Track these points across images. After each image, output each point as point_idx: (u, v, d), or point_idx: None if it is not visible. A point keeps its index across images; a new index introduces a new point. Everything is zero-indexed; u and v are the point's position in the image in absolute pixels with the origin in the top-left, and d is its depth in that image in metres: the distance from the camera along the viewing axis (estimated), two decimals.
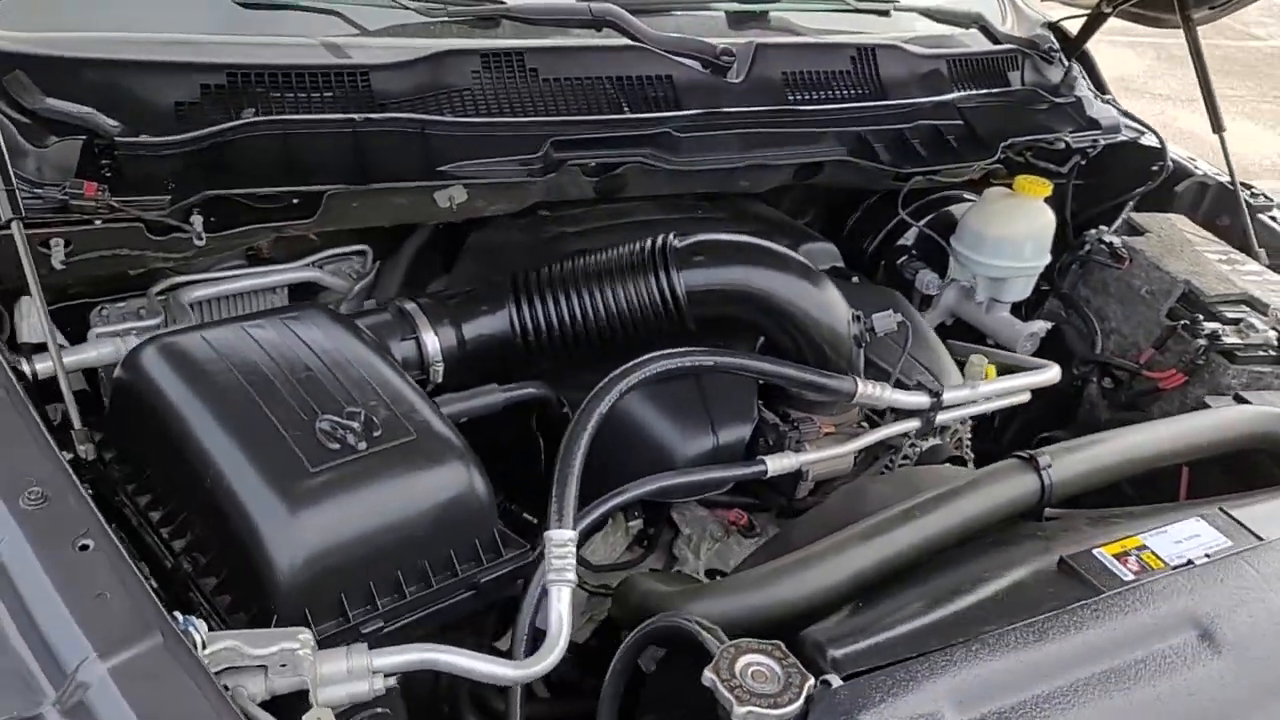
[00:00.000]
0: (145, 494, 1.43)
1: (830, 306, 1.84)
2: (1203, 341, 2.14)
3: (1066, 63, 2.72)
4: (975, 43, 2.61)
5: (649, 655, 1.38)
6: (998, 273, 2.39)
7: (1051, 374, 2.12)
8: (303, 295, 2.03)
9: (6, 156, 1.49)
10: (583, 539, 1.60)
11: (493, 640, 1.63)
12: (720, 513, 1.89)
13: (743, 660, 1.11)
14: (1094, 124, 2.61)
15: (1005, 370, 2.12)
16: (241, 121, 1.72)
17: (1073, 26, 2.77)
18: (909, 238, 2.56)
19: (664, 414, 1.81)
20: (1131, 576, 1.35)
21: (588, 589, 1.76)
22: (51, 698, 0.99)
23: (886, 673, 1.15)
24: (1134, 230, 2.51)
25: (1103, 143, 2.60)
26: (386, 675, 1.19)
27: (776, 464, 1.77)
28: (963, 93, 2.47)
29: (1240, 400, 1.90)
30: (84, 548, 1.12)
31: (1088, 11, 2.71)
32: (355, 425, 1.38)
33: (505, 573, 1.44)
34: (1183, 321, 2.21)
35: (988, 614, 1.30)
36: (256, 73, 1.80)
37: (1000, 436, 2.39)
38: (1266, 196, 2.70)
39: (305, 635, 1.15)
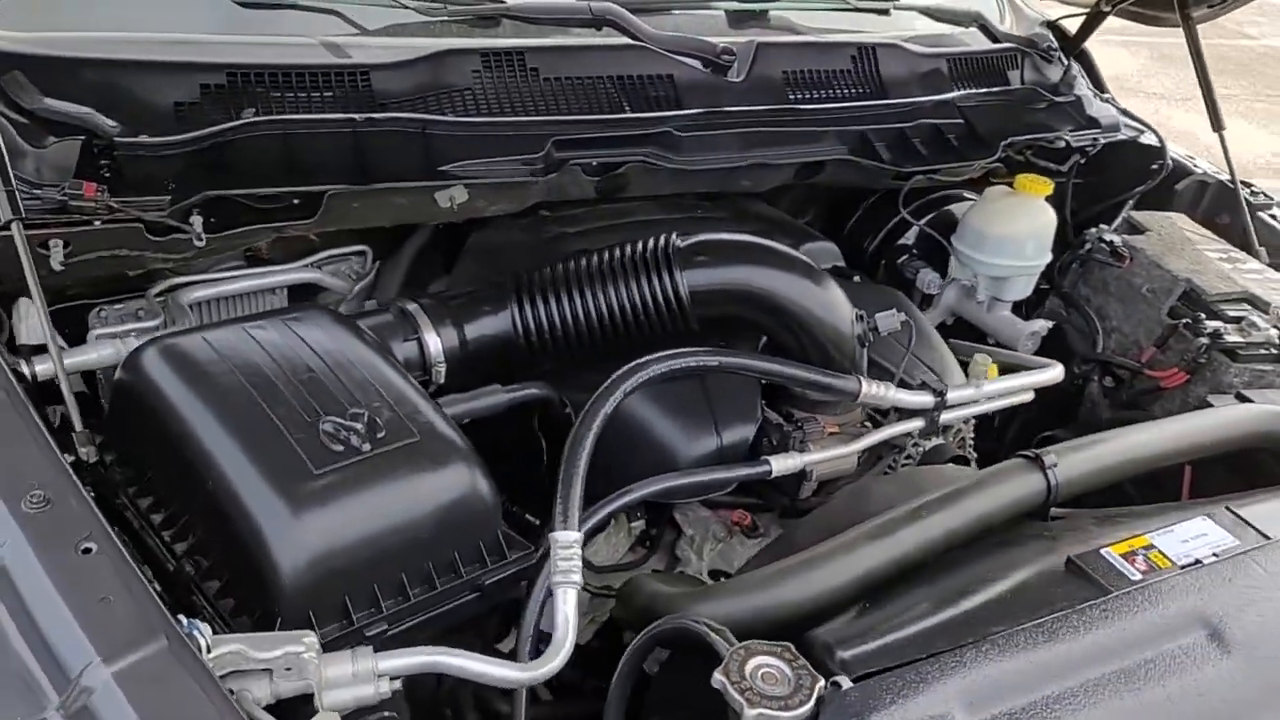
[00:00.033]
0: (147, 496, 1.42)
1: (834, 306, 1.83)
2: (1204, 340, 2.14)
3: (1065, 61, 2.72)
4: (975, 41, 2.61)
5: (652, 657, 1.38)
6: (999, 271, 2.38)
7: (1054, 373, 2.12)
8: (302, 296, 2.02)
9: (6, 157, 1.48)
10: (586, 540, 1.59)
11: (495, 642, 1.62)
12: (723, 513, 1.89)
13: (753, 662, 1.10)
14: (1094, 123, 2.61)
15: (1008, 369, 2.12)
16: (242, 121, 1.71)
17: (1071, 25, 2.77)
18: (909, 237, 2.56)
19: (667, 414, 1.80)
20: (1140, 576, 1.34)
21: (590, 590, 1.76)
22: (55, 703, 0.98)
23: (896, 674, 1.15)
24: (1134, 229, 2.51)
25: (1102, 141, 2.60)
26: (392, 678, 1.18)
27: (781, 464, 1.76)
28: (963, 91, 2.47)
29: (1243, 399, 1.90)
30: (87, 551, 1.11)
31: (1086, 10, 2.71)
32: (359, 427, 1.37)
33: (509, 574, 1.44)
34: (1184, 320, 2.21)
35: (996, 614, 1.29)
36: (256, 72, 1.79)
37: (1001, 436, 2.39)
38: (1266, 195, 2.70)
39: (310, 638, 1.13)
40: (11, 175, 1.48)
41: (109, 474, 1.46)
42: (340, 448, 1.35)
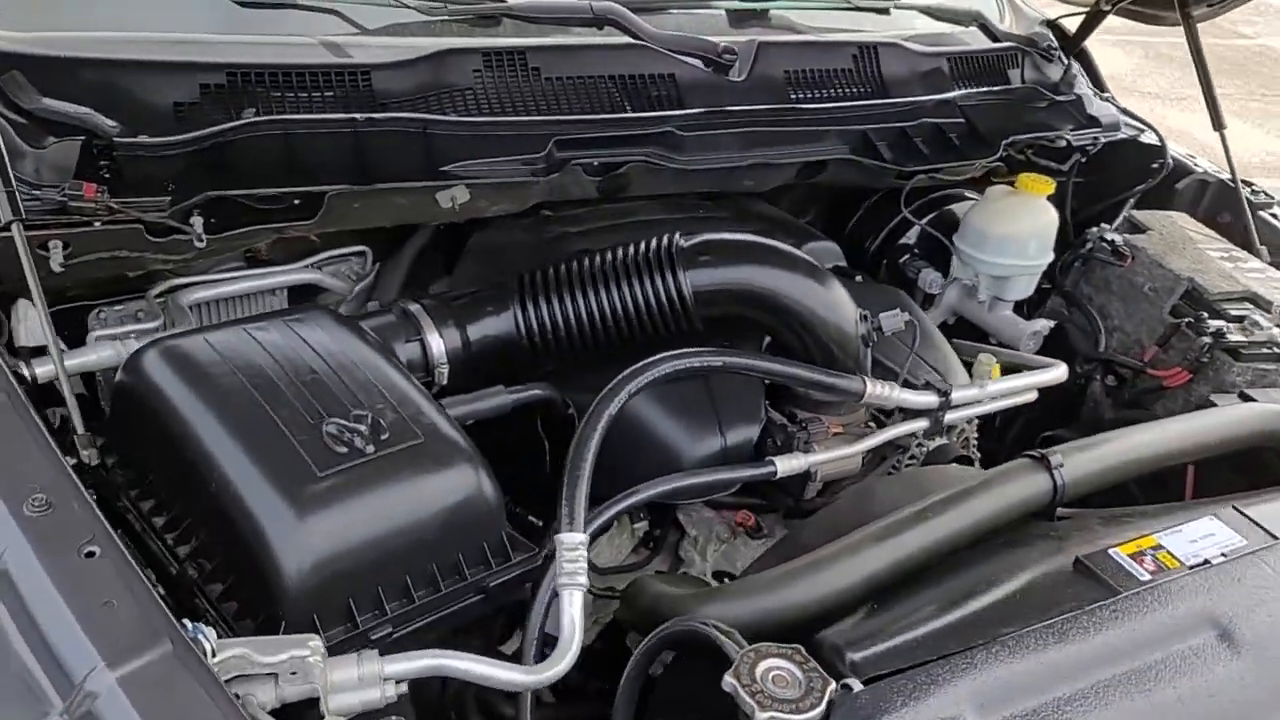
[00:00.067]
0: (149, 499, 1.41)
1: (838, 306, 1.83)
2: (1207, 339, 2.14)
3: (1066, 61, 2.72)
4: (975, 41, 2.61)
5: (658, 659, 1.37)
6: (1001, 271, 2.38)
7: (1058, 373, 2.11)
8: (302, 297, 2.01)
9: (6, 158, 1.47)
10: (591, 541, 1.58)
11: (499, 644, 1.61)
12: (727, 514, 1.88)
13: (763, 665, 1.09)
14: (1094, 122, 2.60)
15: (1011, 369, 2.12)
16: (242, 121, 1.70)
17: (1071, 25, 2.77)
18: (911, 236, 2.56)
19: (671, 415, 1.79)
20: (1148, 576, 1.34)
21: (593, 592, 1.75)
22: (59, 708, 0.97)
23: (907, 676, 1.14)
24: (1135, 228, 2.50)
25: (1103, 140, 2.60)
26: (398, 682, 1.17)
27: (786, 465, 1.76)
28: (963, 91, 2.46)
29: (1246, 398, 1.90)
30: (89, 554, 1.10)
31: (1086, 9, 2.71)
32: (362, 428, 1.36)
33: (514, 576, 1.43)
34: (1186, 319, 2.20)
35: (1005, 615, 1.29)
36: (256, 72, 1.77)
37: (1002, 436, 2.38)
38: (1267, 194, 2.70)
39: (316, 642, 1.13)
40: (11, 176, 1.47)
41: (111, 477, 1.45)
42: (344, 449, 1.34)
